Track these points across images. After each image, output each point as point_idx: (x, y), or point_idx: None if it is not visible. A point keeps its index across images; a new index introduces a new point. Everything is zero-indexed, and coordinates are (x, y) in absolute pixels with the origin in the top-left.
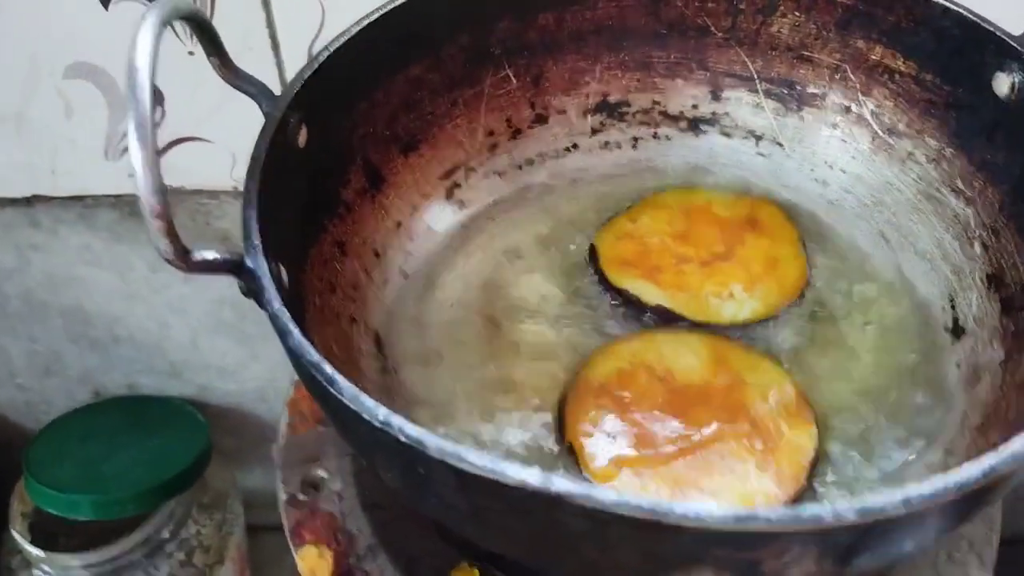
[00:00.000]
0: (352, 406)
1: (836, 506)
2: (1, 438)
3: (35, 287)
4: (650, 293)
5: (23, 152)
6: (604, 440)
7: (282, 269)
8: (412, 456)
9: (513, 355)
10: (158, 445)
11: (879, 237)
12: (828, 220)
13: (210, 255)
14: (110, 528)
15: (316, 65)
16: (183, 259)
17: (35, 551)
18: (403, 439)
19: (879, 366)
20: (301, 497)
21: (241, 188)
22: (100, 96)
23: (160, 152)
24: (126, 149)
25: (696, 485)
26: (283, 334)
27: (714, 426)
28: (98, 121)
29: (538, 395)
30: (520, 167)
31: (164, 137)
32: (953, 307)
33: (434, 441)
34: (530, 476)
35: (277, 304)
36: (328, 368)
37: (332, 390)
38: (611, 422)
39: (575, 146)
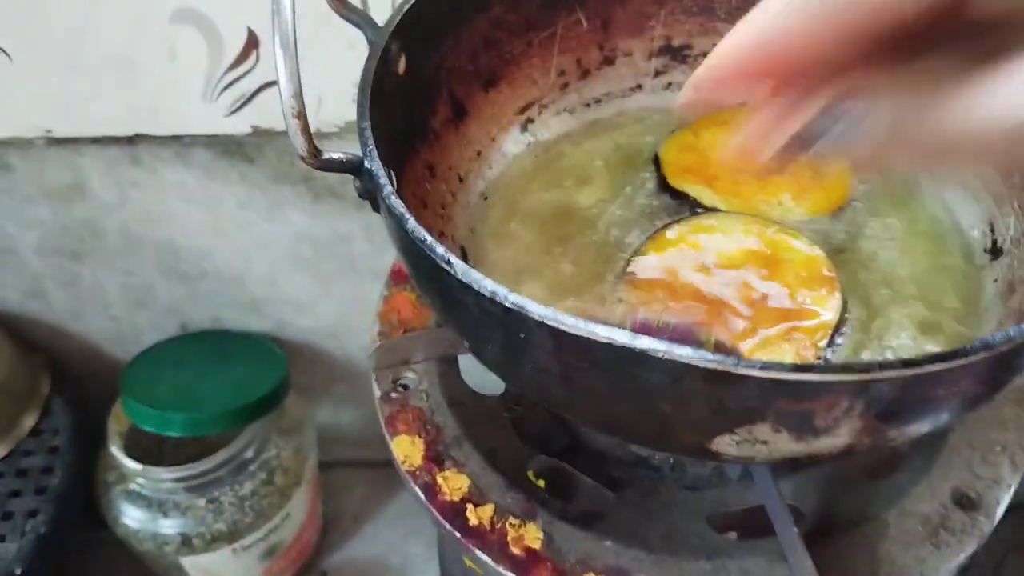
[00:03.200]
0: (464, 279)
1: (882, 360)
2: (96, 366)
3: (132, 222)
4: (708, 197)
5: (128, 92)
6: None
7: (391, 174)
8: (515, 321)
9: (585, 261)
10: (242, 374)
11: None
12: None
13: (336, 155)
14: (196, 451)
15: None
16: (315, 156)
17: (132, 464)
18: (509, 305)
19: (921, 281)
20: (393, 395)
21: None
22: (202, 41)
23: (252, 95)
24: (223, 90)
25: None
26: (399, 220)
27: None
28: (198, 65)
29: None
30: (588, 105)
31: (256, 81)
32: (992, 231)
33: (535, 306)
34: (617, 334)
35: (393, 196)
36: (441, 248)
37: (446, 266)
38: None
39: (639, 87)
